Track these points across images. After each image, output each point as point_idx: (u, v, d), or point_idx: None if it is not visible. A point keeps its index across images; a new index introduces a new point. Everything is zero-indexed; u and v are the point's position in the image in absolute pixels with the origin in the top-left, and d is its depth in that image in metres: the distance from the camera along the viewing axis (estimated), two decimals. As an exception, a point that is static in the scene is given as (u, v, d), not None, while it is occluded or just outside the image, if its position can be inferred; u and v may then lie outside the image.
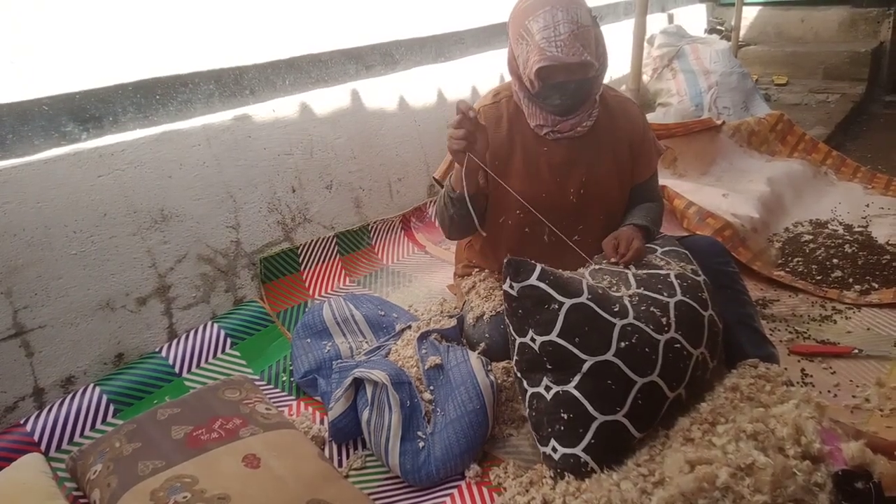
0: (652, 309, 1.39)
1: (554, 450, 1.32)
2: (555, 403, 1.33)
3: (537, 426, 1.37)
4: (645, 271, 1.51)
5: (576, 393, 1.31)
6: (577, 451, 1.30)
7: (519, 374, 1.41)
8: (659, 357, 1.33)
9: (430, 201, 2.86)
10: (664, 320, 1.37)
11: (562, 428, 1.32)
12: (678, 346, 1.37)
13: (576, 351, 1.32)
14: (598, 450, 1.30)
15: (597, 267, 1.57)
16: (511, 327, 1.40)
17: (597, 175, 1.70)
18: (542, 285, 1.34)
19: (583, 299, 1.35)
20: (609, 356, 1.31)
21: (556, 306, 1.33)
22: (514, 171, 1.69)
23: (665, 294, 1.43)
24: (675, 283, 1.46)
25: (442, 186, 1.78)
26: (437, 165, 2.85)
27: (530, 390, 1.38)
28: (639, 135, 1.75)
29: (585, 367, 1.31)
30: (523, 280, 1.34)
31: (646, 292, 1.43)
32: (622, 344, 1.32)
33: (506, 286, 1.36)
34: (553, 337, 1.32)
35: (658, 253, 1.61)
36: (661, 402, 1.35)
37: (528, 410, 1.40)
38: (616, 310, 1.36)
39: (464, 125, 1.45)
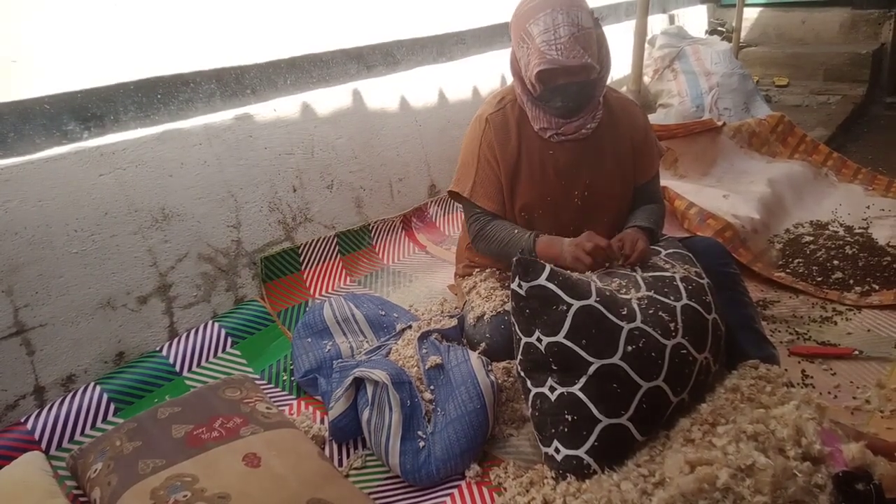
0: (660, 313, 1.38)
1: (557, 451, 1.32)
2: (559, 405, 1.32)
3: (540, 427, 1.37)
4: (651, 274, 1.51)
5: (581, 395, 1.31)
6: (580, 452, 1.30)
7: (523, 374, 1.41)
8: (665, 362, 1.33)
9: (431, 201, 2.86)
10: (672, 325, 1.37)
11: (565, 429, 1.31)
12: (684, 351, 1.36)
13: (582, 353, 1.31)
14: (601, 452, 1.29)
15: (605, 271, 1.56)
16: (517, 326, 1.39)
17: (601, 177, 1.70)
18: (551, 286, 1.34)
19: (591, 301, 1.34)
20: (616, 359, 1.31)
21: (564, 307, 1.32)
22: (521, 174, 1.69)
23: (672, 298, 1.42)
24: (681, 286, 1.46)
25: (467, 201, 1.75)
26: (439, 166, 2.89)
27: (534, 390, 1.38)
28: (641, 136, 1.75)
29: (592, 369, 1.31)
30: (532, 280, 1.34)
31: (655, 295, 1.43)
32: (629, 348, 1.32)
33: (514, 285, 1.36)
34: (560, 338, 1.32)
35: (662, 255, 1.61)
36: (665, 407, 1.35)
37: (531, 410, 1.39)
38: (624, 313, 1.35)
39: (597, 255, 1.53)
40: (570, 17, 1.46)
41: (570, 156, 1.68)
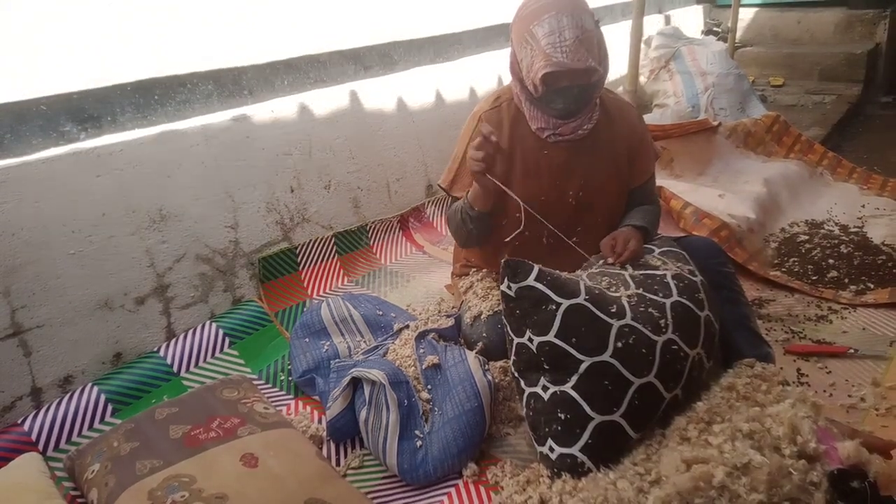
0: (650, 310, 1.39)
1: (551, 449, 1.33)
2: (552, 403, 1.33)
3: (535, 426, 1.37)
4: (642, 272, 1.52)
5: (573, 393, 1.31)
6: (574, 450, 1.30)
7: (516, 374, 1.41)
8: (656, 358, 1.34)
9: (429, 201, 2.87)
10: (662, 322, 1.38)
11: (559, 428, 1.32)
12: (675, 347, 1.37)
13: (573, 351, 1.32)
14: (595, 450, 1.30)
15: (595, 270, 1.57)
16: (508, 327, 1.40)
17: (595, 177, 1.71)
18: (540, 286, 1.35)
19: (580, 300, 1.35)
20: (606, 357, 1.32)
21: (554, 307, 1.33)
22: (515, 174, 1.70)
23: (661, 295, 1.43)
24: (672, 283, 1.47)
25: (448, 194, 1.80)
26: (436, 166, 2.89)
27: (528, 390, 1.38)
28: (637, 138, 1.75)
29: (583, 367, 1.32)
30: (521, 281, 1.35)
31: (644, 293, 1.44)
32: (619, 344, 1.32)
33: (503, 286, 1.37)
34: (550, 337, 1.33)
35: (655, 253, 1.61)
36: (657, 403, 1.36)
37: (525, 410, 1.40)
38: (613, 310, 1.36)
39: (484, 148, 1.48)
40: (575, 19, 1.46)
41: (565, 156, 1.69)
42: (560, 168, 1.69)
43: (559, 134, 1.66)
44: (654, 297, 1.42)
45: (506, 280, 1.36)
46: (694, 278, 1.52)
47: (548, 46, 1.47)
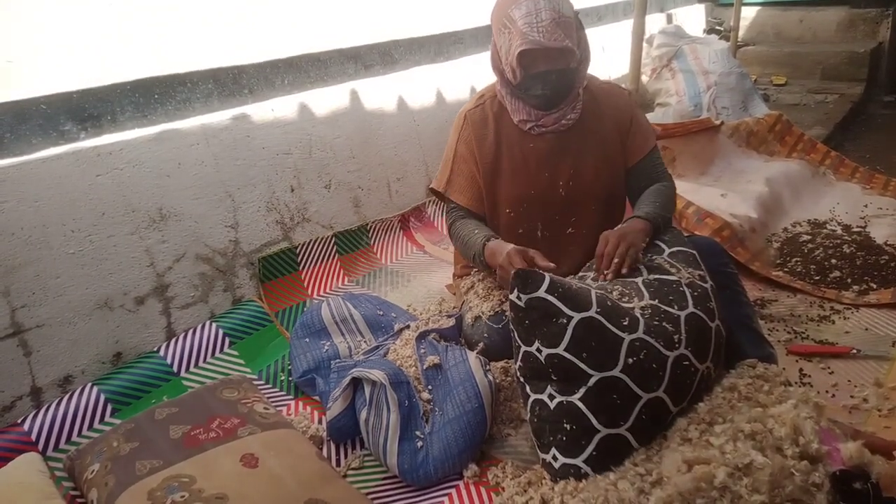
0: (664, 324, 1.35)
1: (555, 458, 1.31)
2: (558, 413, 1.31)
3: (539, 433, 1.35)
4: (655, 276, 1.47)
5: (580, 405, 1.29)
6: (579, 461, 1.28)
7: (522, 380, 1.39)
8: (666, 373, 1.31)
9: (430, 201, 2.86)
10: (675, 337, 1.34)
11: (563, 438, 1.30)
12: (686, 363, 1.34)
13: (582, 366, 1.29)
14: (598, 462, 1.28)
15: (594, 274, 1.54)
16: (516, 335, 1.37)
17: (585, 166, 1.70)
18: (551, 298, 1.30)
19: (591, 313, 1.31)
20: (616, 372, 1.28)
21: (565, 321, 1.29)
22: (503, 169, 1.70)
23: (676, 307, 1.39)
24: (687, 292, 1.42)
25: (443, 199, 1.80)
26: (437, 165, 2.87)
27: (533, 396, 1.36)
28: (626, 116, 1.74)
29: (592, 381, 1.28)
30: (531, 292, 1.31)
31: (659, 304, 1.39)
32: (630, 360, 1.29)
33: (513, 297, 1.33)
34: (560, 350, 1.29)
35: (665, 254, 1.56)
36: (664, 417, 1.33)
37: (529, 416, 1.38)
38: (626, 323, 1.32)
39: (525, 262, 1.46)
40: (552, 3, 1.50)
41: (552, 147, 1.68)
42: (547, 160, 1.69)
43: (541, 125, 1.66)
44: (669, 310, 1.38)
45: (516, 290, 1.33)
46: (705, 284, 1.47)
47: (524, 26, 1.49)
